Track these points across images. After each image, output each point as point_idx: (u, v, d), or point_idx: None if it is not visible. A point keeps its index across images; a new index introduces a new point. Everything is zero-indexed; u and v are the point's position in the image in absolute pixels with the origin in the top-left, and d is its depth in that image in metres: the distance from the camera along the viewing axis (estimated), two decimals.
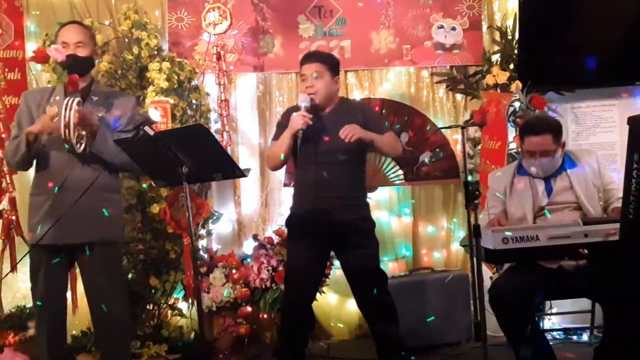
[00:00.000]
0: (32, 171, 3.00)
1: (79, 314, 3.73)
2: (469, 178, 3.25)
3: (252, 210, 4.36)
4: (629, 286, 2.18)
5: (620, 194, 2.18)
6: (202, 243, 4.11)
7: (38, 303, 2.87)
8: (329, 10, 4.31)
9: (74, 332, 3.77)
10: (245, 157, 4.37)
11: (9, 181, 3.70)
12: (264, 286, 3.85)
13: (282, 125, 3.13)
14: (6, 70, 3.98)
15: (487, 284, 2.99)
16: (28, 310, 3.70)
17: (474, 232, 2.81)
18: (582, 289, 2.88)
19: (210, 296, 3.82)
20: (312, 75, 3.07)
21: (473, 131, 4.13)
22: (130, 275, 3.84)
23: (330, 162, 3.04)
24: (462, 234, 4.24)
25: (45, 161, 2.88)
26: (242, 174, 2.99)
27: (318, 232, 3.05)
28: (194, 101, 4.04)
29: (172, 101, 3.83)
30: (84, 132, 2.74)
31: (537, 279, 2.84)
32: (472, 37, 4.28)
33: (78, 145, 2.73)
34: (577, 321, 3.85)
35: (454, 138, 4.25)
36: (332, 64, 3.14)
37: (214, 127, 4.13)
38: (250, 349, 3.87)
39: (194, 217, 3.40)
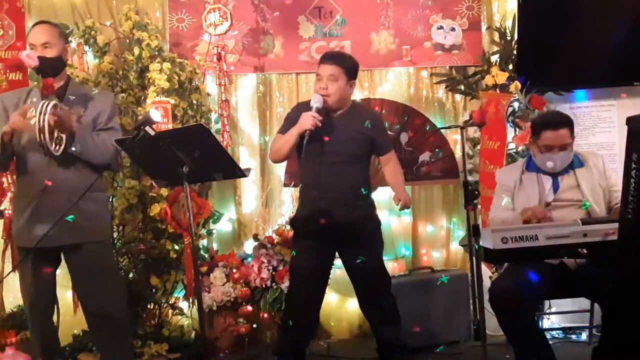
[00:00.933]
0: None
1: (79, 313, 3.74)
2: (469, 178, 3.27)
3: (253, 210, 4.38)
4: (627, 286, 2.18)
5: None
6: (202, 243, 4.11)
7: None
8: (329, 11, 4.33)
9: (75, 331, 3.77)
10: (246, 157, 4.40)
11: (10, 181, 3.69)
12: (264, 286, 3.86)
13: (291, 119, 3.11)
14: (7, 70, 3.99)
15: (486, 283, 3.01)
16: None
17: (473, 231, 2.82)
18: (581, 288, 2.89)
19: (210, 295, 3.83)
20: (328, 77, 3.04)
21: (472, 131, 4.14)
22: (131, 275, 3.85)
23: (335, 162, 3.04)
24: (461, 233, 4.25)
25: (25, 164, 2.83)
26: (243, 174, 3.00)
27: (323, 233, 3.04)
28: (194, 101, 4.05)
29: (172, 101, 3.83)
30: (63, 135, 2.70)
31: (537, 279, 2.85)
32: (472, 38, 4.30)
33: (57, 147, 2.69)
34: (576, 320, 3.85)
35: (454, 138, 4.26)
36: (349, 68, 3.10)
37: (214, 127, 4.13)
38: (250, 348, 3.87)
39: (194, 216, 3.42)
